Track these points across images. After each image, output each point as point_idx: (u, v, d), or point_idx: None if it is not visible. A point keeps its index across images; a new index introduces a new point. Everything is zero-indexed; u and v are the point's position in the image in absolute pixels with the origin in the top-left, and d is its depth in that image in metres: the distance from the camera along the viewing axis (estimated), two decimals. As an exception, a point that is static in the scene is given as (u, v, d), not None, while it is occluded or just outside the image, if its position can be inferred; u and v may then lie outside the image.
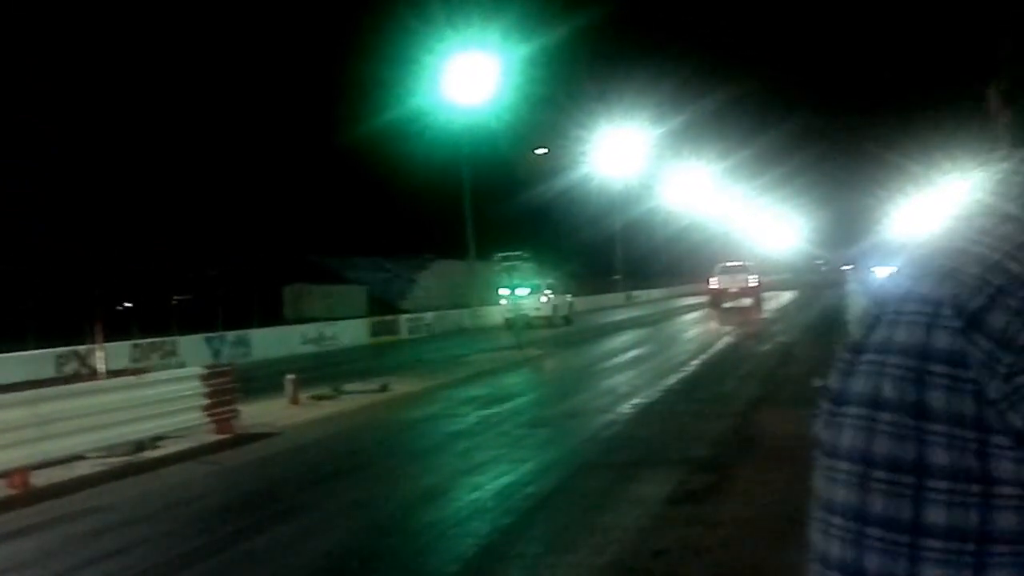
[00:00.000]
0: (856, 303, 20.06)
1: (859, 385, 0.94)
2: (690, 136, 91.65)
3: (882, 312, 0.96)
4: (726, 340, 26.83)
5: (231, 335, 29.41)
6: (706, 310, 44.02)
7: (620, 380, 17.93)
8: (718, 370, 18.72)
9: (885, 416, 0.90)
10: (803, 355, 20.41)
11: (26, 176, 34.87)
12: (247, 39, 51.78)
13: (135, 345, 25.86)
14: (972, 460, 0.84)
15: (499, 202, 56.31)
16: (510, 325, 32.16)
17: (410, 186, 54.16)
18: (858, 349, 0.97)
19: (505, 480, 9.41)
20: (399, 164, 52.22)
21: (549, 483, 9.22)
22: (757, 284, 45.36)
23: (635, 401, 14.64)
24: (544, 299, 38.53)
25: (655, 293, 73.27)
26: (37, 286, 31.03)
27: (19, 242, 33.51)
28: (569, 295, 43.08)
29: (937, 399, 0.86)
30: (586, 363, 22.75)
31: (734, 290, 44.26)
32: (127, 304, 37.60)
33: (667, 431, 11.73)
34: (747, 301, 43.56)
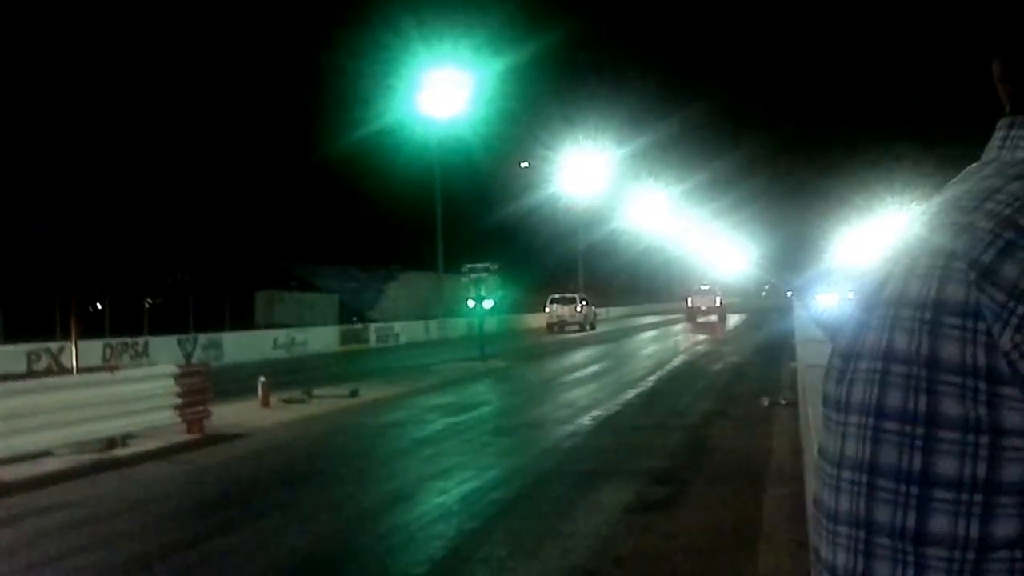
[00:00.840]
0: (803, 327, 20.25)
1: (871, 339, 0.96)
2: (649, 160, 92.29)
3: (894, 267, 0.97)
4: (682, 358, 26.99)
5: (203, 338, 29.07)
6: (668, 327, 47.62)
7: (581, 393, 17.95)
8: (674, 386, 18.81)
9: (897, 368, 0.91)
10: (753, 374, 20.58)
11: (4, 177, 34.29)
12: (225, 50, 51.33)
13: (107, 345, 25.48)
14: (983, 411, 0.84)
15: (469, 217, 56.40)
16: (552, 327, 46.36)
17: (382, 198, 54.03)
18: (869, 306, 0.99)
19: (470, 486, 9.38)
20: (372, 176, 52.13)
21: (513, 490, 9.21)
22: (721, 304, 56.72)
23: (595, 414, 14.66)
24: (580, 308, 48.81)
25: (615, 311, 73.46)
26: (10, 284, 30.51)
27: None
28: (593, 307, 52.62)
29: (950, 350, 0.86)
30: (548, 376, 22.75)
31: (704, 307, 55.19)
32: (99, 305, 37.04)
33: (626, 443, 11.75)
34: (713, 317, 54.12)
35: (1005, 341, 0.82)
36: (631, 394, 17.44)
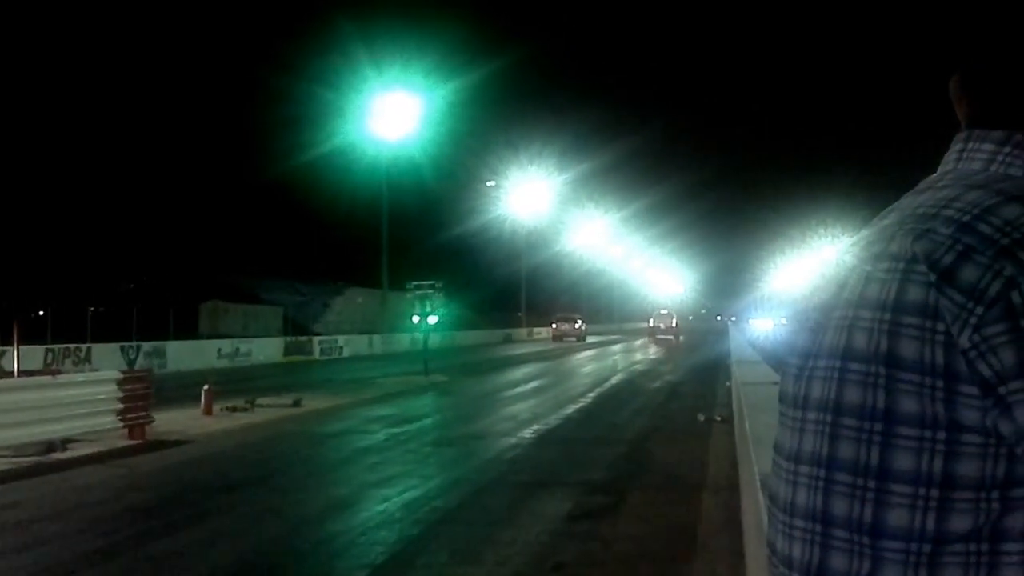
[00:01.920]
0: (739, 348, 20.56)
1: (829, 339, 0.96)
2: (591, 186, 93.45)
3: (851, 272, 0.98)
4: (620, 376, 27.12)
5: (146, 345, 28.44)
6: (607, 347, 46.19)
7: (522, 407, 17.90)
8: (613, 402, 18.87)
9: (856, 366, 0.91)
10: (689, 392, 20.76)
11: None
12: (178, 68, 50.71)
13: (48, 350, 24.75)
14: (940, 408, 0.85)
15: (417, 236, 56.33)
16: (556, 337, 60.17)
17: (332, 216, 53.75)
18: (827, 308, 0.99)
19: (413, 494, 9.25)
20: (322, 195, 51.85)
21: (455, 498, 9.11)
22: (676, 324, 67.24)
23: (536, 427, 14.62)
24: (576, 325, 62.72)
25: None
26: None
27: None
28: (585, 324, 65.17)
29: (909, 349, 0.87)
30: (490, 391, 22.67)
31: (663, 327, 64.79)
32: (41, 312, 36.02)
33: (566, 455, 11.73)
34: (671, 336, 61.98)
35: (964, 340, 0.84)
36: (571, 409, 17.45)
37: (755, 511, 3.57)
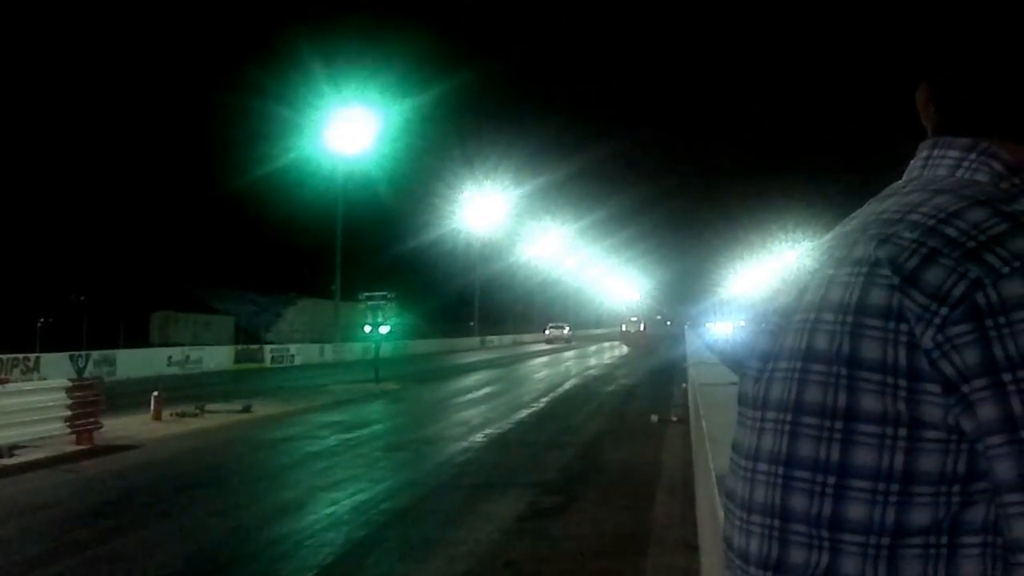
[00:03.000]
0: (695, 352, 20.67)
1: (790, 341, 0.97)
2: (547, 198, 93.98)
3: (813, 277, 0.99)
4: (574, 381, 27.11)
5: (96, 354, 27.74)
6: (560, 353, 45.89)
7: (474, 413, 17.78)
8: (566, 407, 18.83)
9: (817, 367, 0.92)
10: (644, 394, 20.84)
11: None
12: (133, 77, 49.87)
13: (-6, 359, 24.04)
14: (902, 406, 0.86)
15: (372, 248, 55.98)
16: (548, 341, 70.17)
17: (287, 228, 53.21)
18: (787, 312, 1.00)
19: (362, 496, 9.10)
20: (278, 207, 51.30)
21: (405, 500, 8.98)
22: (644, 328, 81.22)
23: (488, 431, 14.52)
24: (565, 331, 74.91)
25: (507, 339, 73.85)
26: None
27: None
28: (571, 330, 78.94)
29: (871, 350, 0.88)
30: (441, 397, 22.51)
31: (633, 331, 77.25)
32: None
33: (518, 458, 11.64)
34: (642, 340, 70.16)
35: (927, 340, 0.85)
36: (524, 414, 17.37)
37: (710, 507, 3.56)
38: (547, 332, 76.33)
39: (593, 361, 40.85)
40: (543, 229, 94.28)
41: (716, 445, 4.25)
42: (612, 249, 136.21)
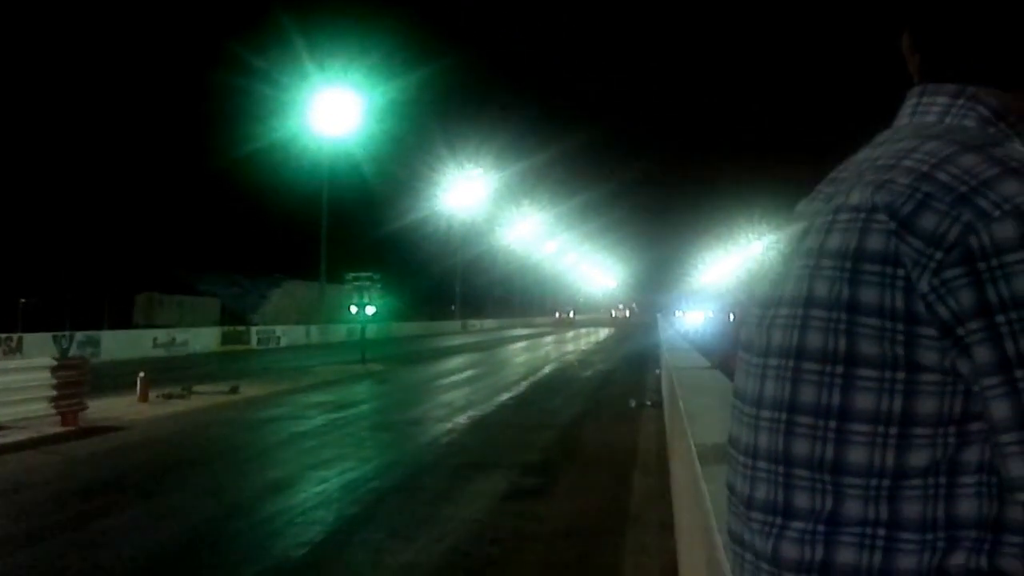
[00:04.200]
0: (669, 338, 20.81)
1: (791, 287, 0.98)
2: (527, 184, 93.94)
3: (811, 224, 0.99)
4: (553, 366, 27.22)
5: (80, 335, 27.58)
6: (540, 338, 45.87)
7: (457, 395, 17.84)
8: (546, 390, 18.92)
9: (818, 312, 0.93)
10: (620, 380, 20.95)
11: None
12: (118, 57, 49.22)
13: (-23, 340, 23.87)
14: (900, 350, 0.87)
15: (355, 230, 55.74)
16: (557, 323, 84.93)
17: (271, 210, 52.90)
18: (787, 259, 1.01)
19: (350, 475, 9.15)
20: (262, 189, 51.00)
21: (392, 480, 9.03)
22: (631, 312, 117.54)
23: (471, 413, 14.58)
24: (572, 313, 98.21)
25: (488, 323, 73.84)
26: None
27: None
28: (575, 313, 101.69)
29: (869, 295, 0.89)
30: (425, 379, 22.56)
31: (620, 316, 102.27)
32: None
33: (501, 439, 11.71)
34: (626, 322, 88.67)
35: (923, 285, 0.86)
36: (505, 396, 17.45)
37: (689, 484, 3.63)
38: (557, 316, 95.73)
39: (571, 347, 40.97)
40: (522, 214, 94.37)
41: (694, 422, 4.35)
42: (589, 235, 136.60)
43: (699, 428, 4.07)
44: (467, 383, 21.01)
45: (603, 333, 60.27)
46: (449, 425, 13.15)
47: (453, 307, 71.43)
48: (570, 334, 58.54)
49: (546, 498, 8.07)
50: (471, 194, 73.48)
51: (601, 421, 13.51)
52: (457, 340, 47.01)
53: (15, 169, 41.19)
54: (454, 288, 71.38)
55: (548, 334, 57.22)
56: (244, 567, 6.05)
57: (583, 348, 39.58)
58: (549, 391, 18.66)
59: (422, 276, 65.29)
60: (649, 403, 14.36)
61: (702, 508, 2.51)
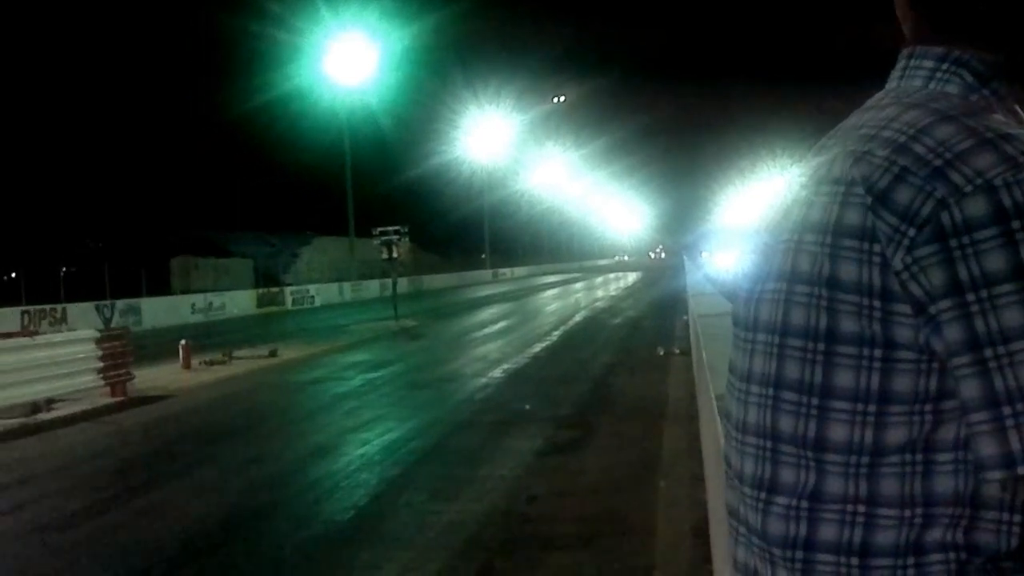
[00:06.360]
0: (695, 283, 20.79)
1: (778, 262, 0.98)
2: (550, 125, 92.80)
3: (799, 193, 0.98)
4: (584, 314, 27.39)
5: (121, 303, 28.15)
6: (569, 285, 46.87)
7: (491, 348, 18.08)
8: (577, 340, 19.11)
9: (801, 288, 0.93)
10: (649, 327, 21.05)
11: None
12: (132, 16, 49.21)
13: (24, 312, 24.45)
14: (876, 327, 0.88)
15: (377, 180, 55.72)
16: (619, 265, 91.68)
17: (293, 165, 53.01)
18: (776, 231, 1.01)
19: (391, 436, 9.41)
20: (281, 144, 51.05)
21: (431, 439, 9.27)
22: (664, 254, 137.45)
23: (505, 367, 14.80)
24: (627, 257, 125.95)
25: (519, 271, 73.88)
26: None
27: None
28: (628, 256, 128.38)
29: (848, 271, 0.89)
30: (459, 333, 22.82)
31: (656, 257, 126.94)
32: (13, 275, 35.40)
33: (534, 393, 11.91)
34: (662, 256, 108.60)
35: (897, 262, 0.85)
36: (538, 348, 17.65)
37: (713, 436, 3.66)
38: (615, 258, 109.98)
39: (600, 293, 41.07)
40: (546, 156, 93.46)
41: (715, 374, 4.33)
42: (613, 177, 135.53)
43: (719, 378, 4.10)
44: (500, 335, 21.25)
45: (631, 278, 60.24)
46: (484, 380, 13.38)
47: (484, 255, 71.47)
48: (599, 279, 58.68)
49: (580, 453, 8.27)
50: (494, 136, 72.72)
51: (633, 371, 13.66)
52: (488, 290, 47.27)
53: (43, 140, 41.63)
54: (480, 234, 71.29)
55: (577, 280, 57.36)
56: (295, 532, 6.31)
57: (612, 294, 39.65)
58: (581, 341, 18.84)
59: (447, 223, 65.15)
60: (677, 351, 14.48)
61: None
